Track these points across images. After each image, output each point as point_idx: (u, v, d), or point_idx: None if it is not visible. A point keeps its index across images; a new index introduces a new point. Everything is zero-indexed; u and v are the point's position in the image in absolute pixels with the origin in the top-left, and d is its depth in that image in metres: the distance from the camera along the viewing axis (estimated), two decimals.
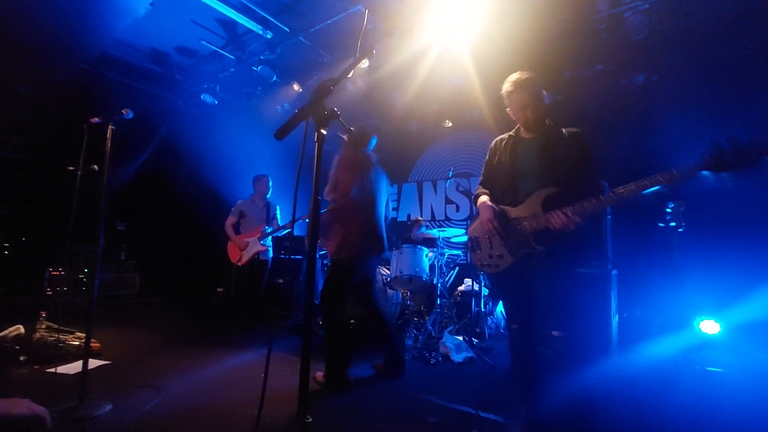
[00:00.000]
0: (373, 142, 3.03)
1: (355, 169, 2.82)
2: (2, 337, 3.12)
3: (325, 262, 4.86)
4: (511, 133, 2.14)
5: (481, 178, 2.30)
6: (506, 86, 2.00)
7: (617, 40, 4.07)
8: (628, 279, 3.66)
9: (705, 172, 1.48)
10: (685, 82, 3.90)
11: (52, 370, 2.73)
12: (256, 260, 4.46)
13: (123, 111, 2.46)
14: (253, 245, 4.42)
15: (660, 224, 3.29)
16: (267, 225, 4.53)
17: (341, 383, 2.70)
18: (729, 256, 3.32)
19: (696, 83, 3.83)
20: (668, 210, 3.22)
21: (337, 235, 2.81)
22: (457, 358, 3.33)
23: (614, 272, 3.39)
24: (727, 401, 2.52)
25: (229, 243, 4.54)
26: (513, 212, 1.98)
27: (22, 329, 3.21)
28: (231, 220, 4.54)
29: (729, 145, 1.42)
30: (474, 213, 2.21)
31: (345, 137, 2.90)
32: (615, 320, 3.32)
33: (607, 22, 4.03)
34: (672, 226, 3.20)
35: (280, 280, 5.11)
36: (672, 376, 2.87)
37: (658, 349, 3.18)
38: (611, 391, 2.55)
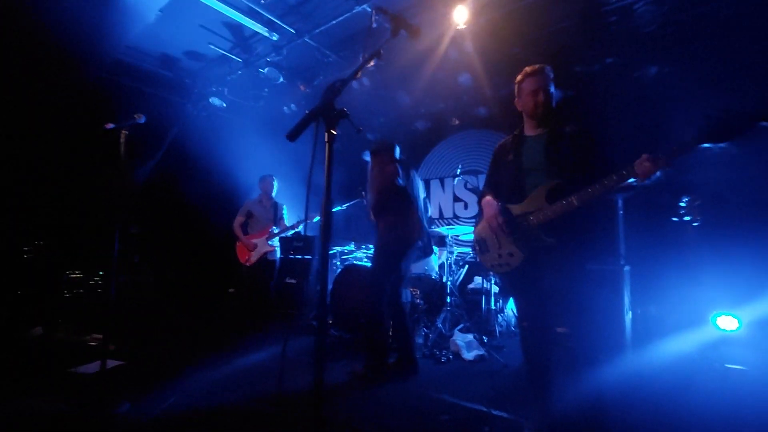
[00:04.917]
0: (397, 150, 3.24)
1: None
2: (25, 337, 3.20)
3: (334, 261, 4.88)
4: (514, 132, 2.14)
5: (485, 181, 2.30)
6: (519, 77, 2.07)
7: (628, 32, 4.01)
8: (642, 275, 3.59)
9: (704, 145, 1.53)
10: (699, 73, 3.81)
11: (72, 369, 2.80)
12: (265, 260, 4.50)
13: (136, 116, 2.50)
14: (262, 245, 4.46)
15: (674, 219, 3.23)
16: (274, 225, 4.57)
17: (384, 370, 2.91)
18: (746, 250, 3.24)
19: (711, 74, 3.74)
20: (682, 204, 3.16)
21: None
22: (468, 356, 3.32)
23: (627, 268, 3.35)
24: (748, 399, 2.47)
25: (237, 243, 4.59)
26: (518, 209, 1.97)
27: (41, 330, 3.29)
28: (239, 220, 4.59)
29: (721, 116, 1.48)
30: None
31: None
32: (628, 317, 3.27)
33: (617, 14, 3.97)
34: (686, 221, 3.14)
35: (292, 281, 5.15)
36: (689, 373, 2.82)
37: (674, 347, 3.13)
38: (626, 390, 2.51)
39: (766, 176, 3.34)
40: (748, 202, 3.41)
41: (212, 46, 5.06)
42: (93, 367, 2.96)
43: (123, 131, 2.50)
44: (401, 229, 3.01)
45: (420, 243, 3.10)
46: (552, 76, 2.00)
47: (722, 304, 3.08)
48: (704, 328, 3.08)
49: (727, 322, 3.02)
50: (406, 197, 3.09)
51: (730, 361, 2.88)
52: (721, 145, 1.50)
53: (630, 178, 1.66)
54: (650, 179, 1.64)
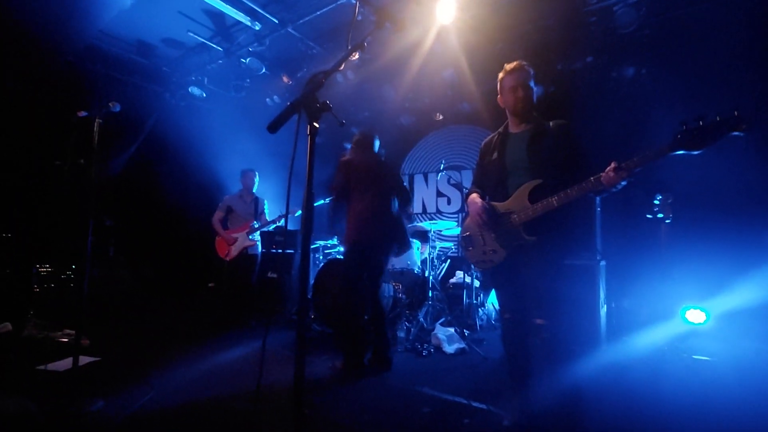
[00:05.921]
0: (376, 143, 3.20)
1: (341, 169, 3.06)
2: None
3: (317, 255, 4.85)
4: (499, 130, 2.18)
5: (473, 179, 2.34)
6: (500, 74, 2.10)
7: (607, 32, 4.09)
8: (617, 270, 3.71)
9: (678, 152, 1.57)
10: (674, 76, 3.93)
11: (42, 366, 2.71)
12: (245, 255, 4.44)
13: (110, 104, 2.42)
14: (242, 240, 4.39)
15: (648, 216, 3.33)
16: (255, 220, 4.51)
17: (359, 368, 2.89)
18: (714, 247, 3.38)
19: (685, 76, 3.86)
20: (656, 202, 3.26)
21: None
22: (449, 349, 3.37)
23: (603, 263, 3.44)
24: (714, 389, 2.57)
25: (217, 238, 4.51)
26: (502, 207, 2.00)
27: (9, 326, 3.17)
28: (218, 215, 4.51)
29: (696, 123, 1.52)
30: (466, 208, 2.25)
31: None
32: (603, 311, 3.37)
33: (597, 14, 4.04)
34: (659, 218, 3.24)
35: (273, 275, 5.09)
36: (660, 365, 2.92)
37: (646, 339, 3.24)
38: (601, 381, 2.60)
39: (732, 177, 3.48)
40: (716, 200, 3.55)
41: (191, 34, 4.92)
42: (65, 364, 2.87)
43: (97, 120, 2.41)
44: (364, 222, 2.95)
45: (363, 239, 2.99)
46: (532, 72, 2.03)
47: (691, 299, 3.20)
48: (674, 321, 3.20)
49: (696, 316, 3.14)
50: (367, 189, 3.01)
51: (698, 353, 3.00)
52: (695, 152, 1.54)
53: (599, 185, 1.72)
54: (616, 187, 1.72)
